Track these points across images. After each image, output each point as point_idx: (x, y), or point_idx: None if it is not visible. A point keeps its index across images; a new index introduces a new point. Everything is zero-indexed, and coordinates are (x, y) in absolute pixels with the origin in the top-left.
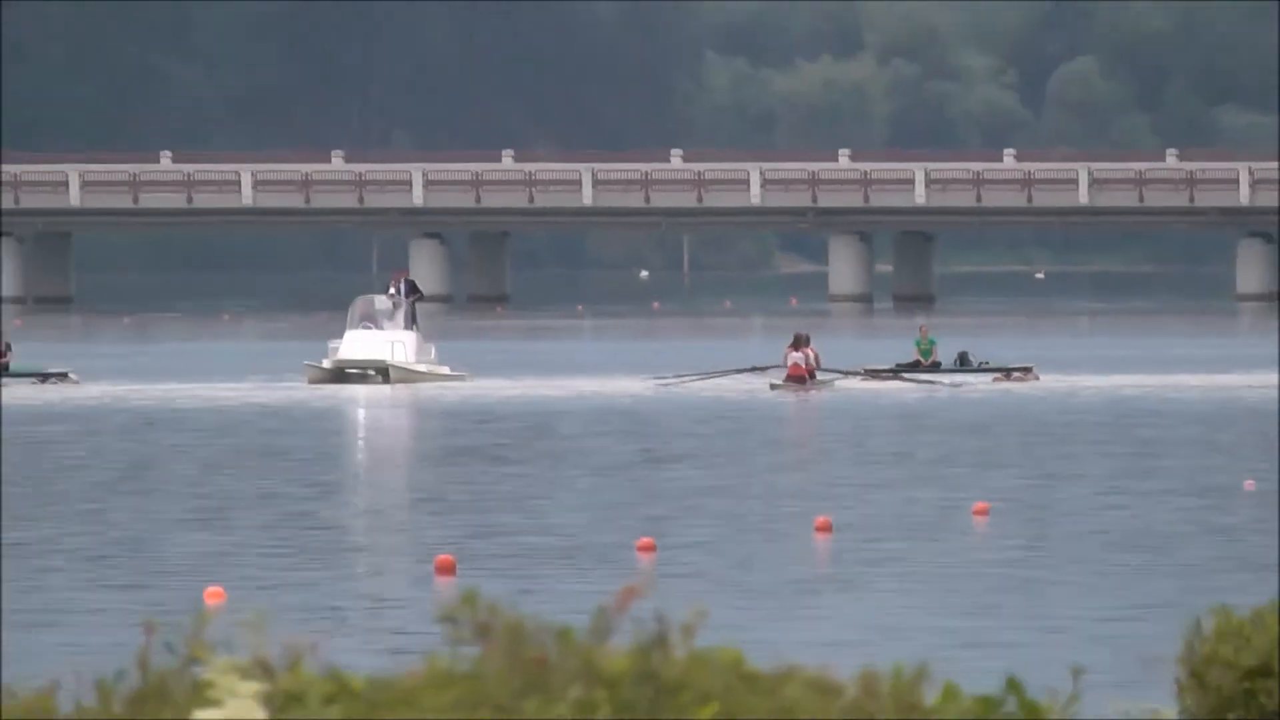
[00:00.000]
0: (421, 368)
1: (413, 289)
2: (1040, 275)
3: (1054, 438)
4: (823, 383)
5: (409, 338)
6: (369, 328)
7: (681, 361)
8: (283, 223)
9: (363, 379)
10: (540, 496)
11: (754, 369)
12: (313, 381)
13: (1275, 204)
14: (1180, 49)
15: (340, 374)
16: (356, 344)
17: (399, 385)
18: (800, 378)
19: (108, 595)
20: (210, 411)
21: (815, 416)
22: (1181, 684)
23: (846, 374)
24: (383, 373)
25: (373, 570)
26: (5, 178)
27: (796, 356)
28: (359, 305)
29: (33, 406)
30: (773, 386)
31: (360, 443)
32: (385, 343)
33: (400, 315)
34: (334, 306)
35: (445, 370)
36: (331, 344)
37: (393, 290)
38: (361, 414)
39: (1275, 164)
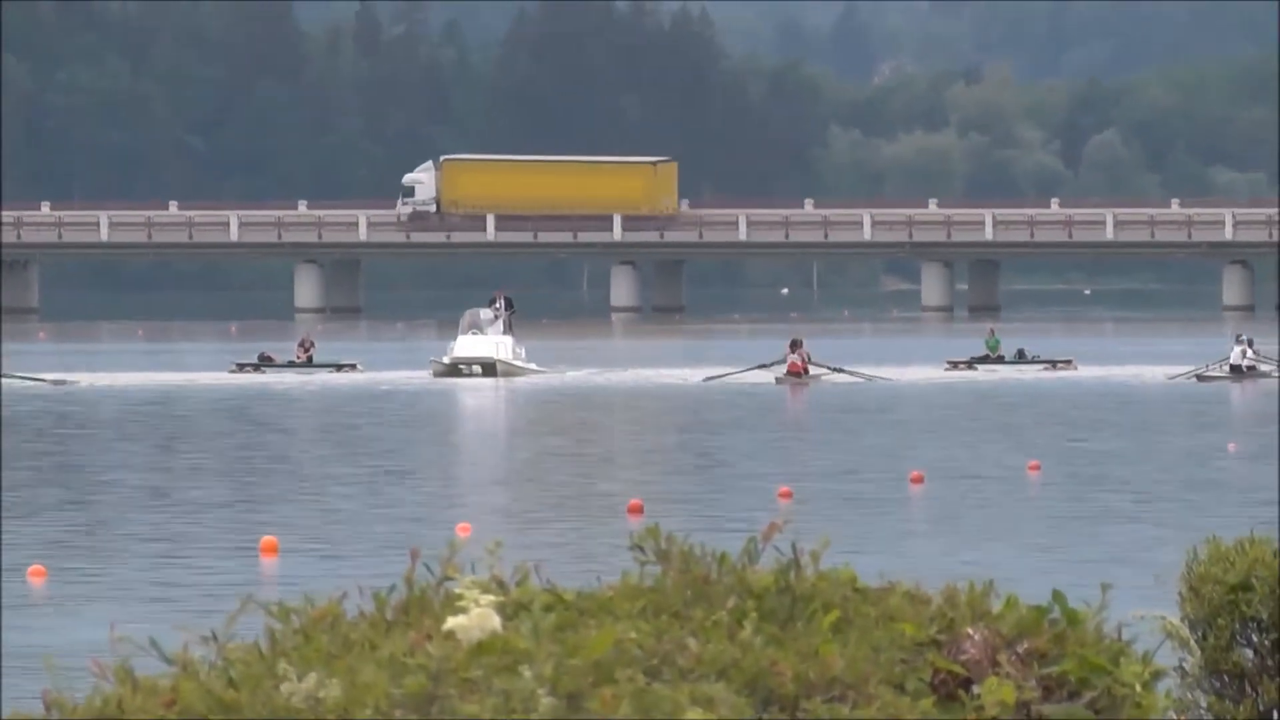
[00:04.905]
0: (518, 364)
1: (509, 304)
2: (1088, 292)
3: (1089, 412)
4: (814, 377)
5: (507, 341)
6: (476, 333)
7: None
8: (519, 254)
9: (471, 373)
10: (691, 462)
11: (761, 366)
12: (436, 375)
13: (1251, 240)
14: (1181, 123)
15: (455, 369)
16: (467, 346)
17: (502, 377)
18: (797, 373)
19: (380, 527)
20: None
21: (820, 398)
22: (1183, 596)
23: (835, 370)
24: (488, 368)
25: (573, 512)
26: (309, 220)
27: (794, 356)
28: (467, 316)
29: (335, 387)
30: (777, 380)
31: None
32: (490, 344)
33: (499, 323)
34: (555, 316)
35: (534, 366)
36: (449, 345)
37: (497, 304)
38: (472, 400)
39: (1251, 210)
